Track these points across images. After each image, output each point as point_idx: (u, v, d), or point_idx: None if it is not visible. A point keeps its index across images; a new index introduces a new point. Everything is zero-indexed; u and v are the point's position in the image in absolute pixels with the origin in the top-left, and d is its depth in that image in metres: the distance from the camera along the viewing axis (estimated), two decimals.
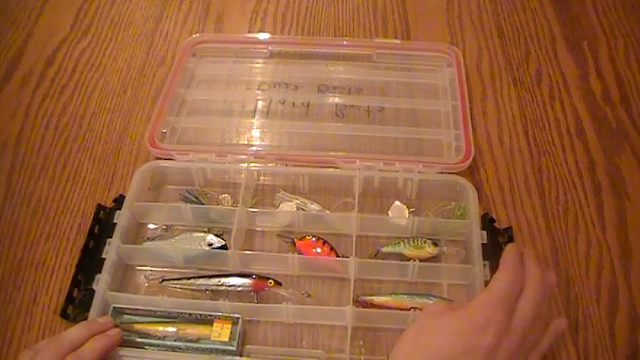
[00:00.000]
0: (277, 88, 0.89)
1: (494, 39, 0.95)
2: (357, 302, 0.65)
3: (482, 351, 0.47)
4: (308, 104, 0.86)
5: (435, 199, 0.74)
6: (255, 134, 0.84)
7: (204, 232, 0.71)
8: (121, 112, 0.87)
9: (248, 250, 0.70)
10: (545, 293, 0.52)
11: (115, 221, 0.70)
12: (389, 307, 0.64)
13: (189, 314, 0.64)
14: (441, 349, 0.48)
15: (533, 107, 0.85)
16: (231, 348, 0.61)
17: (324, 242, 0.69)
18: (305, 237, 0.70)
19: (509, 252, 0.53)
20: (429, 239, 0.68)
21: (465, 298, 0.66)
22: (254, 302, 0.66)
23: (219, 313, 0.63)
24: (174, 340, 0.63)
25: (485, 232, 0.68)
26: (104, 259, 0.67)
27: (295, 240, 0.70)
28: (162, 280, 0.69)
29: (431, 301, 0.64)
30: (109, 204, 0.74)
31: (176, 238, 0.71)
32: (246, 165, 0.75)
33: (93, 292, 0.65)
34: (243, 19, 1.00)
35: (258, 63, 0.93)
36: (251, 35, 0.96)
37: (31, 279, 0.70)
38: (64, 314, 0.65)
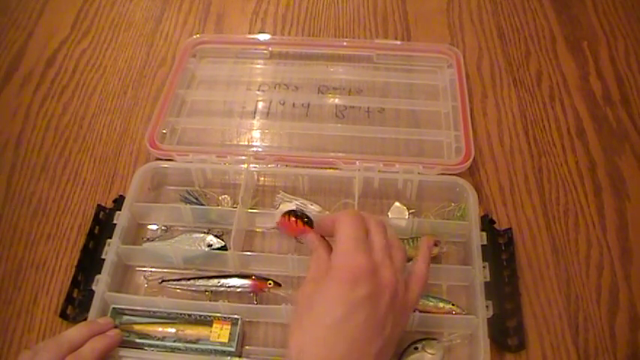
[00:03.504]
0: (277, 88, 0.89)
1: (495, 39, 0.95)
2: None
3: (365, 300, 0.47)
4: (308, 105, 0.86)
5: (435, 201, 0.74)
6: (255, 135, 0.84)
7: (204, 232, 0.71)
8: (121, 113, 0.87)
9: (248, 251, 0.70)
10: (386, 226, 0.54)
11: (114, 222, 0.70)
12: None
13: (189, 315, 0.64)
14: (328, 326, 0.47)
15: (534, 108, 0.85)
16: (230, 349, 0.61)
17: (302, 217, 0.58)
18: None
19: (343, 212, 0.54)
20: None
21: (465, 300, 0.66)
22: (253, 303, 0.66)
23: (218, 314, 0.63)
24: (174, 341, 0.63)
25: (484, 234, 0.68)
26: (104, 259, 0.67)
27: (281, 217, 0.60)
28: (162, 281, 0.69)
29: (431, 303, 0.64)
30: (109, 205, 0.74)
31: (176, 238, 0.71)
32: (245, 166, 0.75)
33: (92, 292, 0.65)
34: (244, 19, 1.00)
35: (258, 64, 0.93)
36: (251, 36, 0.96)
37: (31, 279, 0.70)
38: (63, 315, 0.65)
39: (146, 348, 0.62)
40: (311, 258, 0.55)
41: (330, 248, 0.54)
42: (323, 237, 0.56)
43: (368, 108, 0.85)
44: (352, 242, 0.50)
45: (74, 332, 0.59)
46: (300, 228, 0.57)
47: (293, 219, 0.58)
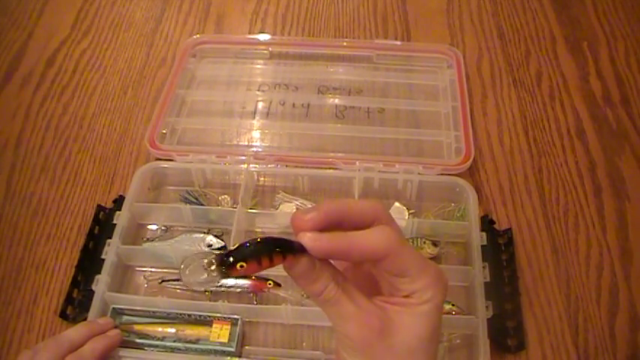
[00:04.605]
0: (277, 89, 0.89)
1: (495, 40, 0.95)
2: None
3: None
4: (308, 105, 0.86)
5: (435, 201, 0.74)
6: (255, 135, 0.84)
7: (204, 233, 0.71)
8: (121, 113, 0.87)
9: None
10: None
11: (114, 222, 0.70)
12: None
13: (189, 315, 0.64)
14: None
15: (534, 108, 0.85)
16: (230, 349, 0.61)
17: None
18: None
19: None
20: (429, 239, 0.68)
21: (465, 300, 0.66)
22: (253, 303, 0.66)
23: (218, 314, 0.63)
24: (174, 341, 0.63)
25: (484, 234, 0.68)
26: (104, 259, 0.67)
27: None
28: (162, 281, 0.69)
29: None
30: (109, 205, 0.74)
31: (175, 239, 0.71)
32: (245, 166, 0.75)
33: (92, 292, 0.65)
34: (244, 19, 1.00)
35: (258, 64, 0.93)
36: (251, 36, 0.96)
37: (31, 280, 0.70)
38: (63, 315, 0.65)
39: (146, 348, 0.62)
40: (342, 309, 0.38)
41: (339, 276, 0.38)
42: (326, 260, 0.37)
43: (368, 108, 0.85)
44: (435, 269, 0.39)
45: (74, 332, 0.59)
46: (290, 261, 0.36)
47: (280, 257, 0.35)
